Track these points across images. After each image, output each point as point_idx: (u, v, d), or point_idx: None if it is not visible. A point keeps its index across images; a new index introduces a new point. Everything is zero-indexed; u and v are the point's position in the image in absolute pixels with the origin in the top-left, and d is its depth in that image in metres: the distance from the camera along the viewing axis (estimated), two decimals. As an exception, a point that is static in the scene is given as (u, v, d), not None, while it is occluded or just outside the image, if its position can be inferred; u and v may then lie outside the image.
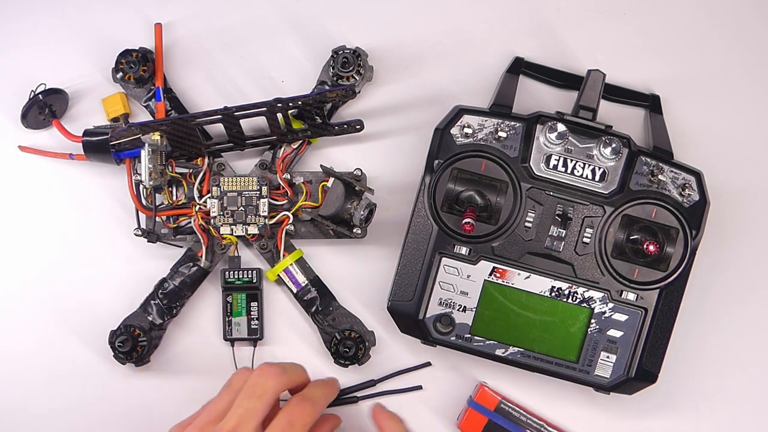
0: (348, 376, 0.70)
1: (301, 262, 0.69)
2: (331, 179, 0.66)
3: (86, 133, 0.68)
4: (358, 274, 0.71)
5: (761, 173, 0.72)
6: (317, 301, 0.69)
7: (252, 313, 0.69)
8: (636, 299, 0.65)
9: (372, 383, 0.70)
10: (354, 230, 0.67)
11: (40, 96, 0.68)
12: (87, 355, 0.70)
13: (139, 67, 0.68)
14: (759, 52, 0.72)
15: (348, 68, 0.68)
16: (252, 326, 0.69)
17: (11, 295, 0.71)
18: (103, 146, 0.67)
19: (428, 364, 0.70)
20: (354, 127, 0.68)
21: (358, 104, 0.71)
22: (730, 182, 0.71)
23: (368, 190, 0.66)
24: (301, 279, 0.69)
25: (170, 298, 0.68)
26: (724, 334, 0.71)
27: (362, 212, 0.66)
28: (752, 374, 0.71)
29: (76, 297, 0.71)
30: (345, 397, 0.70)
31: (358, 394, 0.70)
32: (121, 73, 0.69)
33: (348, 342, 0.68)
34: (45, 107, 0.69)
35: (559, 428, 0.68)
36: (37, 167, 0.71)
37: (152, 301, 0.68)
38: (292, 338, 0.71)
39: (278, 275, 0.69)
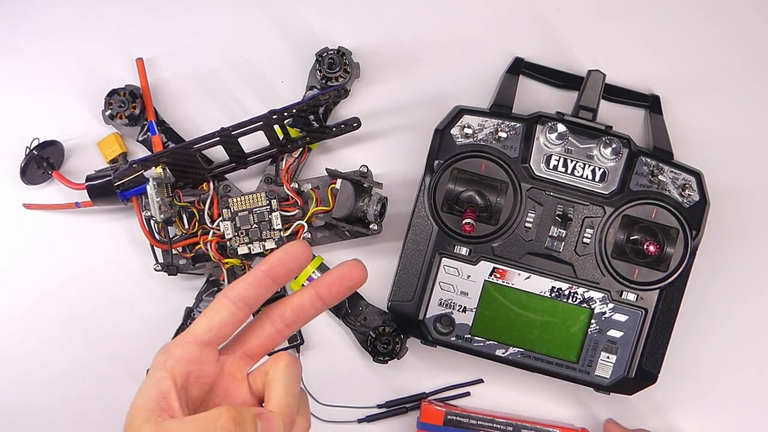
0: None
1: (323, 268, 0.69)
2: (339, 180, 0.66)
3: (88, 178, 0.68)
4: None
5: (761, 173, 0.72)
6: (345, 303, 0.69)
7: None
8: (636, 299, 0.64)
9: (423, 396, 0.70)
10: (370, 227, 0.67)
11: (35, 152, 0.68)
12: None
13: (128, 105, 0.68)
14: (759, 52, 0.72)
15: (335, 69, 0.68)
16: None
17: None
18: (108, 189, 0.67)
19: (480, 380, 0.71)
20: (351, 125, 0.67)
21: (358, 105, 0.71)
22: (730, 182, 0.71)
23: (377, 184, 0.66)
24: None
25: None
26: (724, 334, 0.71)
27: (375, 207, 0.65)
28: (752, 374, 0.71)
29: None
30: (395, 408, 0.70)
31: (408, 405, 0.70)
32: (111, 113, 0.68)
33: (384, 338, 0.67)
34: (42, 161, 0.69)
35: (506, 416, 0.68)
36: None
37: None
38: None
39: (302, 285, 0.68)
